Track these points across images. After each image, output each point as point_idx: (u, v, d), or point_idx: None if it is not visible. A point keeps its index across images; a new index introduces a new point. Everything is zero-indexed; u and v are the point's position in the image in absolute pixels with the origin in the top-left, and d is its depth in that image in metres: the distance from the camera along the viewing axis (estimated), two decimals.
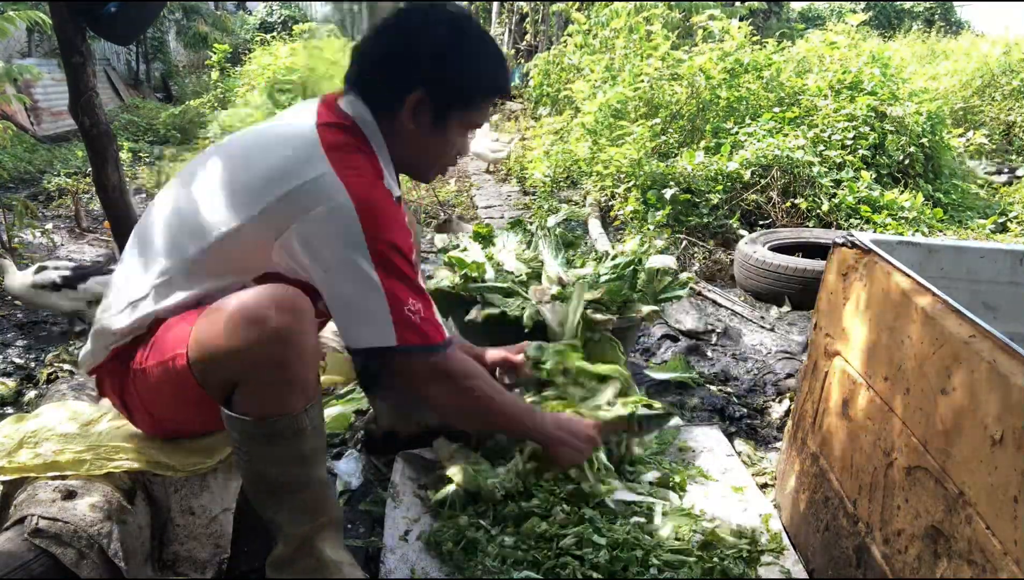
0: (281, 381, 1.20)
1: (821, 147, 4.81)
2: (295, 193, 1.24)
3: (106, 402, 1.66)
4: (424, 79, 1.33)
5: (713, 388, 2.52)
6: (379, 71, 1.36)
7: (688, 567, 1.39)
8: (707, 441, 2.05)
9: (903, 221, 4.26)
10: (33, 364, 2.61)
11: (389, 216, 1.27)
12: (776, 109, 5.34)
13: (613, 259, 2.37)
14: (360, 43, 1.41)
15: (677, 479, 1.72)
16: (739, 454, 2.02)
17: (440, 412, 1.53)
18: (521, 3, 11.59)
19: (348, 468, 1.86)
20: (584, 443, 1.55)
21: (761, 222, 4.45)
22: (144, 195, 5.74)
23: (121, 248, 2.19)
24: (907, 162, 5.21)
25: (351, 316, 1.27)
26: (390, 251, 1.26)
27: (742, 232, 4.22)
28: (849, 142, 4.91)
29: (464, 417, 1.49)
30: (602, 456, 1.63)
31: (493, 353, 1.82)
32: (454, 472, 1.57)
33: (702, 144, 5.06)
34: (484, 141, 6.44)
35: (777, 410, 2.34)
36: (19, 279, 2.75)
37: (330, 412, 2.04)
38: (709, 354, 2.85)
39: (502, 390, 1.47)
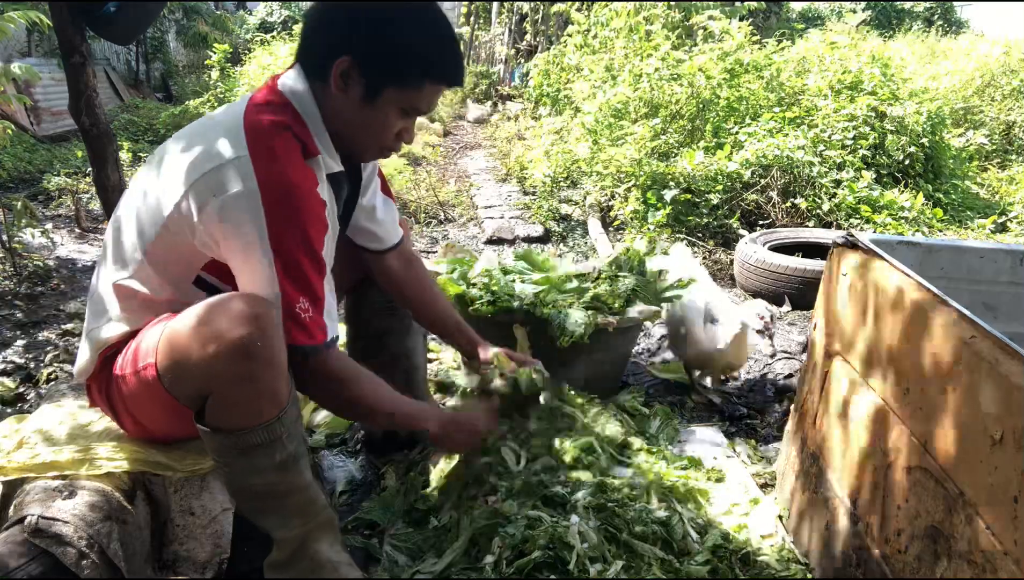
0: (249, 394, 1.18)
1: (821, 147, 4.81)
2: (210, 175, 1.21)
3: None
4: (354, 45, 1.26)
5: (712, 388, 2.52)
6: (312, 36, 1.32)
7: None
8: (707, 441, 2.06)
9: (903, 221, 4.26)
10: (33, 364, 2.61)
11: (298, 204, 1.23)
12: (776, 109, 5.34)
13: (612, 264, 2.36)
14: (306, 10, 1.39)
15: (698, 484, 1.72)
16: (739, 454, 2.02)
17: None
18: (521, 3, 11.59)
19: (347, 468, 1.86)
20: (469, 432, 1.59)
21: (761, 222, 4.45)
22: None
23: None
24: (907, 162, 5.22)
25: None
26: (292, 244, 1.22)
27: (742, 232, 4.22)
28: (849, 142, 4.91)
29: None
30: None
31: (494, 350, 1.80)
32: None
33: (702, 144, 5.06)
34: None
35: (777, 410, 2.34)
36: None
37: (330, 412, 2.04)
38: None
39: (381, 392, 1.42)
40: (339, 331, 1.48)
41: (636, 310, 2.14)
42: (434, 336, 2.19)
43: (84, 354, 1.38)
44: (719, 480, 1.79)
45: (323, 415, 2.09)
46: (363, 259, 1.72)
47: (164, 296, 1.32)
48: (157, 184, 1.30)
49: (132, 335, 1.32)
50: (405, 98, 1.31)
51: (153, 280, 1.31)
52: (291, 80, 1.33)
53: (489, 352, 1.77)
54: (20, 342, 2.81)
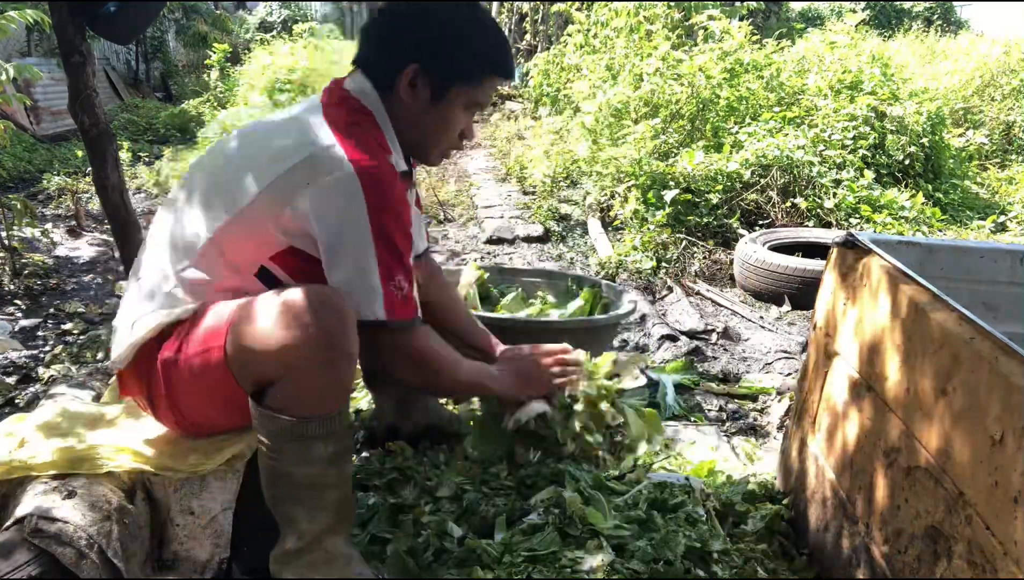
0: (323, 382, 1.21)
1: (821, 147, 4.81)
2: (303, 164, 1.28)
3: (106, 400, 1.66)
4: (420, 52, 1.36)
5: (713, 386, 2.52)
6: (378, 47, 1.41)
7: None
8: (706, 441, 2.06)
9: (903, 221, 4.26)
10: (33, 364, 2.61)
11: (391, 189, 1.30)
12: (776, 109, 5.34)
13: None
14: (366, 23, 1.46)
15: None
16: (739, 454, 2.02)
17: (406, 384, 1.63)
18: (521, 3, 11.59)
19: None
20: (540, 382, 1.65)
21: (761, 222, 4.45)
22: (143, 194, 5.74)
23: (121, 247, 2.19)
24: (907, 162, 5.22)
25: (349, 285, 1.30)
26: (390, 223, 1.29)
27: (742, 232, 4.23)
28: (849, 142, 4.91)
29: (421, 387, 1.65)
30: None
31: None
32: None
33: (702, 144, 5.06)
34: None
35: (777, 410, 2.34)
36: None
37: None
38: (709, 354, 2.85)
39: (460, 363, 1.52)
40: None
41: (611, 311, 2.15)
42: None
43: (126, 341, 1.36)
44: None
45: None
46: None
47: (225, 284, 1.33)
48: (231, 174, 1.35)
49: (182, 324, 1.32)
50: (468, 94, 1.42)
51: (216, 268, 1.33)
52: (358, 84, 1.41)
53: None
54: (20, 342, 2.81)
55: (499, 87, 1.57)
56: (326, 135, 1.30)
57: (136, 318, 1.37)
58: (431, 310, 1.78)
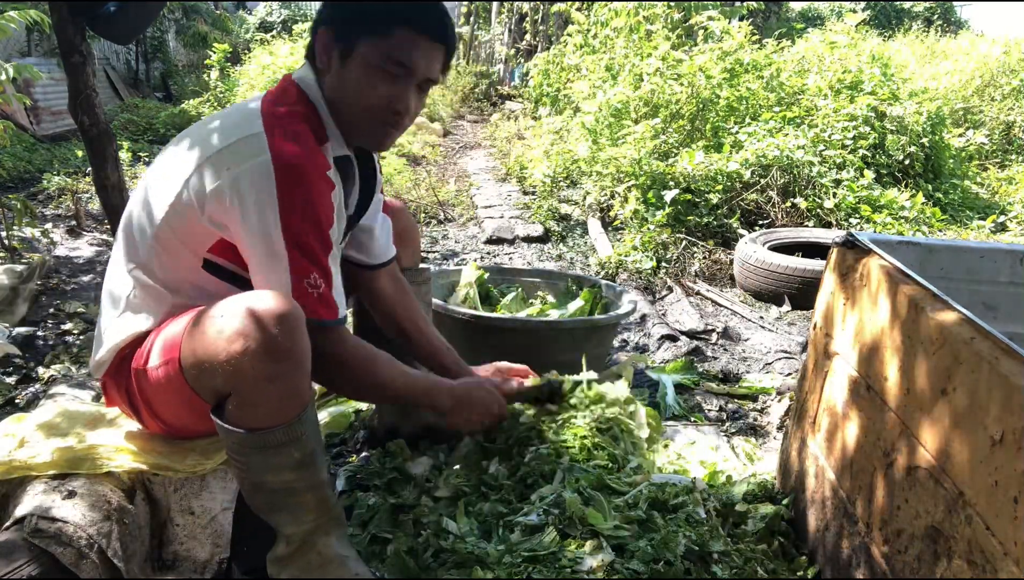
0: (273, 393, 1.17)
1: (821, 147, 4.81)
2: (224, 151, 1.26)
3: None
4: (328, 14, 1.34)
5: (714, 386, 2.52)
6: (311, 31, 1.39)
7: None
8: (706, 441, 2.06)
9: (903, 221, 4.26)
10: (33, 364, 2.61)
11: (308, 182, 1.25)
12: (776, 109, 5.34)
13: None
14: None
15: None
16: (739, 454, 2.02)
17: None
18: (521, 3, 11.59)
19: (348, 467, 1.86)
20: (483, 412, 1.56)
21: (761, 222, 4.45)
22: None
23: None
24: (907, 162, 5.22)
25: (258, 279, 1.27)
26: (301, 219, 1.24)
27: (742, 232, 4.23)
28: (849, 142, 4.91)
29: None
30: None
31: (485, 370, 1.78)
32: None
33: (702, 144, 5.06)
34: None
35: (777, 410, 2.34)
36: None
37: (330, 411, 2.04)
38: (709, 354, 2.85)
39: (394, 369, 1.42)
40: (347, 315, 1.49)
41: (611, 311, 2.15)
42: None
43: (101, 350, 1.38)
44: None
45: (323, 415, 2.09)
46: (353, 276, 1.68)
47: (175, 282, 1.32)
48: (167, 168, 1.33)
49: (149, 332, 1.32)
50: (379, 48, 1.30)
51: (164, 265, 1.32)
52: (301, 71, 1.39)
53: (483, 373, 1.76)
54: (20, 342, 2.80)
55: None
56: (255, 124, 1.27)
57: (106, 326, 1.38)
58: (394, 326, 1.74)
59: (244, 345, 1.12)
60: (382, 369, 1.40)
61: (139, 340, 1.33)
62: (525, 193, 5.81)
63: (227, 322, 1.15)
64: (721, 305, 3.50)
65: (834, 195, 4.38)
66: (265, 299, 1.16)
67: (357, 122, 1.37)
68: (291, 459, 1.23)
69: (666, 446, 1.99)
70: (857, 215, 4.28)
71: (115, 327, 1.35)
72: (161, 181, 1.32)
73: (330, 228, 1.31)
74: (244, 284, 1.30)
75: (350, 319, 1.95)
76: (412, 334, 1.73)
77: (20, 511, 1.22)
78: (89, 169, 2.58)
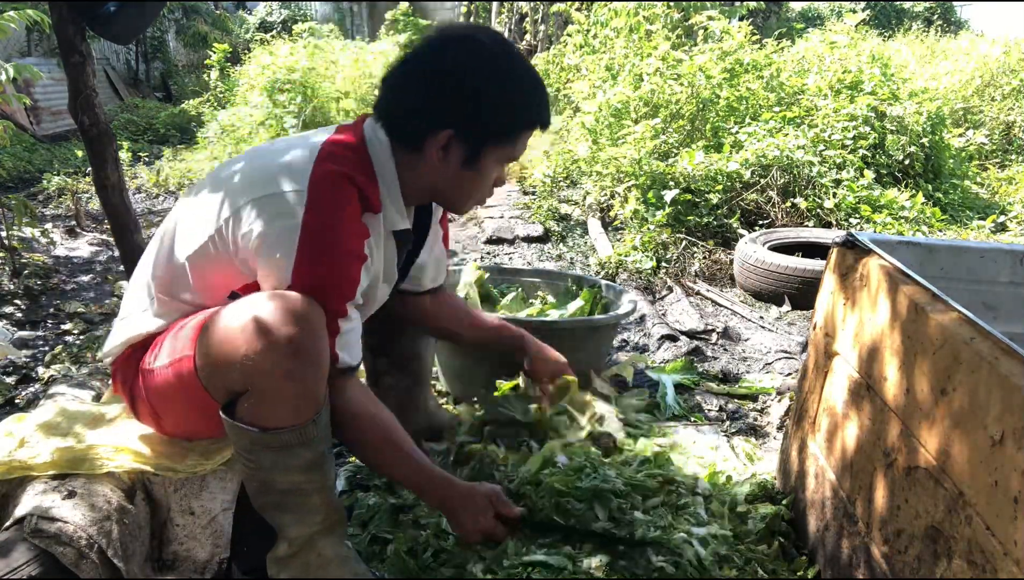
0: (290, 393, 1.17)
1: (821, 147, 4.81)
2: (263, 201, 1.24)
3: (106, 400, 1.66)
4: (454, 119, 1.30)
5: (714, 386, 2.52)
6: (402, 106, 1.33)
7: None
8: (706, 442, 2.06)
9: (903, 221, 4.26)
10: (33, 364, 2.61)
11: (332, 249, 1.24)
12: (776, 109, 5.34)
13: None
14: (388, 71, 1.37)
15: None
16: (739, 454, 2.02)
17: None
18: (521, 3, 11.59)
19: (348, 468, 1.86)
20: (476, 519, 1.37)
21: (761, 222, 4.45)
22: (143, 194, 5.74)
23: (120, 247, 2.19)
24: (907, 162, 5.22)
25: None
26: (328, 273, 1.24)
27: (742, 232, 4.22)
28: (849, 142, 4.91)
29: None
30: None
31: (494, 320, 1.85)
32: None
33: (702, 144, 5.06)
34: None
35: (777, 410, 2.34)
36: None
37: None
38: (709, 354, 2.85)
39: (396, 451, 1.34)
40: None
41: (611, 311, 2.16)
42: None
43: (115, 339, 1.40)
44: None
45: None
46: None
47: (200, 301, 1.33)
48: (215, 195, 1.32)
49: (160, 331, 1.34)
50: (503, 152, 1.37)
51: (194, 283, 1.33)
52: (373, 132, 1.36)
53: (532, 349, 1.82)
54: (20, 342, 2.80)
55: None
56: (303, 177, 1.24)
57: (125, 315, 1.41)
58: (442, 335, 1.85)
59: (265, 340, 1.13)
60: (384, 440, 1.33)
61: (150, 338, 1.35)
62: (525, 193, 5.81)
63: (248, 317, 1.15)
64: (721, 305, 3.50)
65: (834, 195, 4.38)
66: (288, 297, 1.17)
67: (460, 203, 1.45)
68: (302, 460, 1.23)
69: (671, 447, 1.99)
70: (857, 215, 4.28)
71: (132, 322, 1.38)
72: (203, 209, 1.32)
73: (357, 285, 1.29)
74: None
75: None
76: (466, 336, 1.83)
77: (20, 511, 1.22)
78: (89, 169, 2.58)
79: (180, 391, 1.28)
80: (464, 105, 1.29)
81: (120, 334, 1.40)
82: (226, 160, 1.42)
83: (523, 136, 1.38)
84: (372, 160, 1.34)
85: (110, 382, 1.50)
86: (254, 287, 1.28)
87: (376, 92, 1.39)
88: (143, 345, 1.36)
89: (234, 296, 1.31)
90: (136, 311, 1.38)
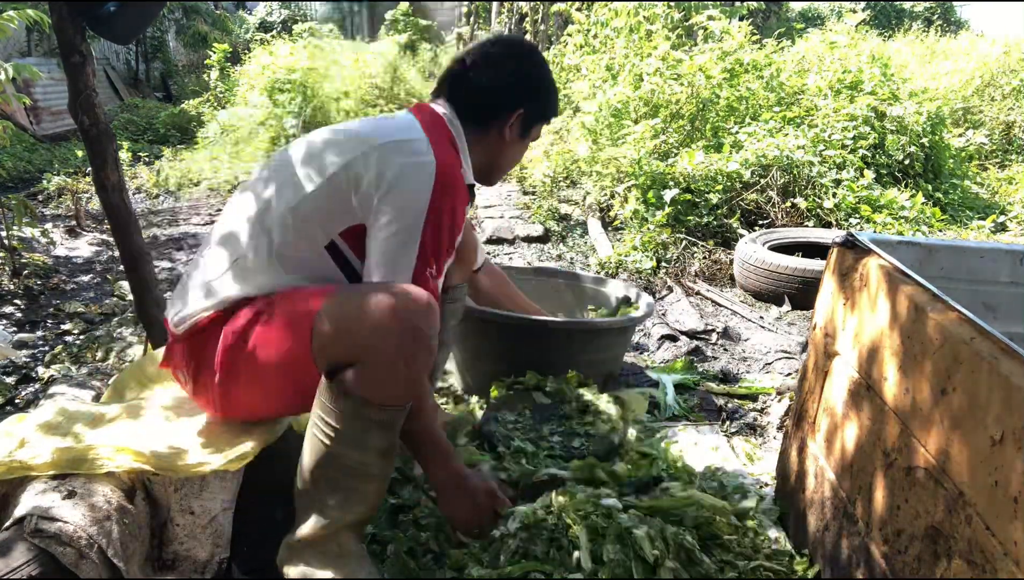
0: (401, 373, 1.25)
1: (821, 147, 4.81)
2: (399, 143, 1.42)
3: (106, 400, 1.66)
4: (525, 100, 1.61)
5: (713, 386, 2.52)
6: (481, 91, 1.59)
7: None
8: (706, 442, 2.06)
9: (903, 221, 4.26)
10: (33, 364, 2.61)
11: (456, 196, 1.43)
12: (776, 109, 5.34)
13: None
14: (455, 69, 1.62)
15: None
16: (739, 454, 2.02)
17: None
18: (521, 3, 11.59)
19: None
20: (475, 506, 1.42)
21: (761, 222, 4.45)
22: (143, 194, 5.74)
23: (120, 247, 2.19)
24: (907, 162, 5.22)
25: (380, 259, 1.36)
26: (444, 221, 1.39)
27: (742, 232, 4.22)
28: (849, 142, 4.91)
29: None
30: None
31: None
32: None
33: (702, 144, 5.06)
34: None
35: (777, 410, 2.34)
36: None
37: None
38: (709, 354, 2.85)
39: (431, 407, 1.43)
40: None
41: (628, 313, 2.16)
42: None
43: (200, 302, 1.40)
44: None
45: None
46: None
47: (292, 258, 1.39)
48: (322, 150, 1.44)
49: (253, 299, 1.37)
50: (539, 130, 1.70)
51: (288, 239, 1.39)
52: (445, 110, 1.58)
53: None
54: (20, 342, 2.80)
55: None
56: (420, 133, 1.46)
57: (205, 285, 1.41)
58: (497, 304, 2.11)
59: (395, 320, 1.22)
60: (430, 407, 1.44)
61: (238, 305, 1.38)
62: (525, 193, 5.81)
63: (382, 298, 1.25)
64: (721, 305, 3.50)
65: (834, 195, 4.38)
66: (417, 290, 1.28)
67: (500, 173, 1.71)
68: (379, 442, 1.29)
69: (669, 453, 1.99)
70: (857, 215, 4.28)
71: (220, 284, 1.39)
72: (313, 159, 1.43)
73: (459, 236, 1.51)
74: (355, 276, 1.43)
75: None
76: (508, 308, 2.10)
77: (20, 511, 1.22)
78: (89, 169, 2.58)
79: (273, 361, 1.32)
80: (531, 88, 1.63)
81: (203, 299, 1.40)
82: (298, 144, 1.53)
83: (552, 119, 1.75)
84: (451, 129, 1.56)
85: (113, 384, 1.49)
86: (359, 231, 1.39)
87: (435, 84, 1.65)
88: (223, 314, 1.38)
89: (332, 247, 1.41)
90: (218, 275, 1.41)
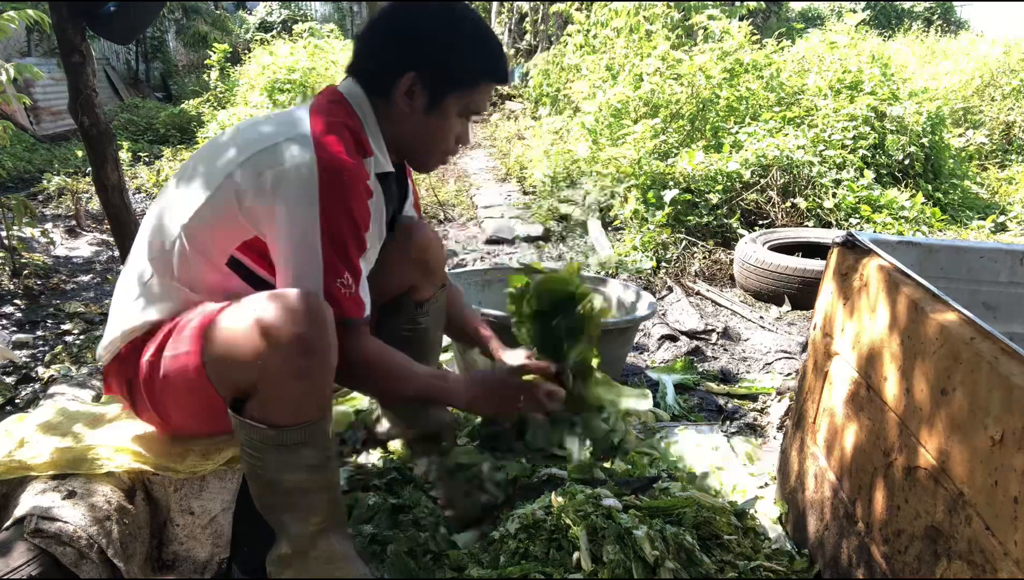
0: (299, 391, 1.18)
1: (821, 147, 4.81)
2: (271, 149, 1.28)
3: (106, 400, 1.66)
4: (417, 60, 1.38)
5: (713, 386, 2.52)
6: (372, 55, 1.42)
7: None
8: (706, 442, 2.06)
9: (903, 221, 4.26)
10: (33, 364, 2.61)
11: (350, 189, 1.29)
12: (776, 109, 5.34)
13: None
14: (360, 30, 1.47)
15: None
16: (739, 454, 2.02)
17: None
18: (521, 3, 11.59)
19: (348, 466, 1.86)
20: (501, 397, 1.49)
21: (761, 222, 4.45)
22: (143, 194, 5.74)
23: (120, 247, 2.20)
24: (907, 162, 5.22)
25: (288, 275, 1.27)
26: (340, 220, 1.27)
27: (742, 232, 4.22)
28: (849, 142, 4.91)
29: (375, 392, 1.56)
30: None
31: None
32: None
33: (702, 144, 5.06)
34: None
35: (777, 410, 2.34)
36: None
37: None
38: (709, 354, 2.85)
39: (415, 367, 1.43)
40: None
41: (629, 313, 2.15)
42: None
43: (110, 336, 1.37)
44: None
45: None
46: (404, 273, 1.69)
47: (195, 279, 1.32)
48: (207, 163, 1.35)
49: (163, 323, 1.31)
50: (464, 101, 1.42)
51: (188, 260, 1.31)
52: (350, 87, 1.43)
53: (507, 355, 1.75)
54: (20, 342, 2.80)
55: (497, 88, 1.52)
56: (304, 127, 1.30)
57: (119, 310, 1.37)
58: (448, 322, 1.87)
59: (275, 339, 1.13)
60: (401, 369, 1.41)
61: (151, 330, 1.32)
62: (525, 193, 5.81)
63: (258, 315, 1.15)
64: (721, 305, 3.50)
65: (834, 195, 4.38)
66: (297, 296, 1.17)
67: (425, 155, 1.50)
68: (308, 459, 1.23)
69: (667, 447, 1.99)
70: (857, 215, 4.28)
71: (129, 312, 1.34)
72: (199, 175, 1.34)
73: (366, 231, 1.35)
74: (264, 287, 1.30)
75: None
76: (451, 324, 1.88)
77: (20, 511, 1.22)
78: (89, 169, 2.58)
79: (184, 385, 1.26)
80: (422, 46, 1.38)
81: (117, 328, 1.36)
82: (206, 143, 1.44)
83: (482, 88, 1.44)
84: (355, 108, 1.41)
85: (107, 383, 1.48)
86: (256, 243, 1.30)
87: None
88: (142, 340, 1.33)
89: (233, 263, 1.32)
90: (129, 302, 1.35)
